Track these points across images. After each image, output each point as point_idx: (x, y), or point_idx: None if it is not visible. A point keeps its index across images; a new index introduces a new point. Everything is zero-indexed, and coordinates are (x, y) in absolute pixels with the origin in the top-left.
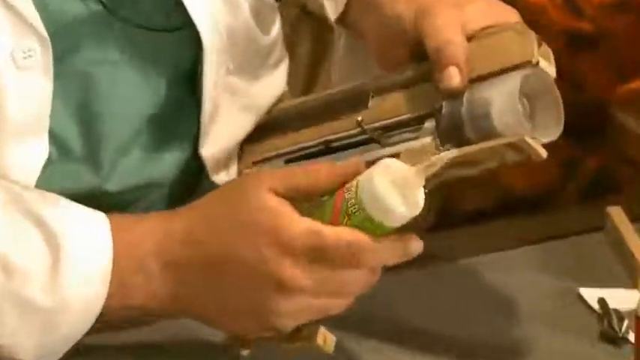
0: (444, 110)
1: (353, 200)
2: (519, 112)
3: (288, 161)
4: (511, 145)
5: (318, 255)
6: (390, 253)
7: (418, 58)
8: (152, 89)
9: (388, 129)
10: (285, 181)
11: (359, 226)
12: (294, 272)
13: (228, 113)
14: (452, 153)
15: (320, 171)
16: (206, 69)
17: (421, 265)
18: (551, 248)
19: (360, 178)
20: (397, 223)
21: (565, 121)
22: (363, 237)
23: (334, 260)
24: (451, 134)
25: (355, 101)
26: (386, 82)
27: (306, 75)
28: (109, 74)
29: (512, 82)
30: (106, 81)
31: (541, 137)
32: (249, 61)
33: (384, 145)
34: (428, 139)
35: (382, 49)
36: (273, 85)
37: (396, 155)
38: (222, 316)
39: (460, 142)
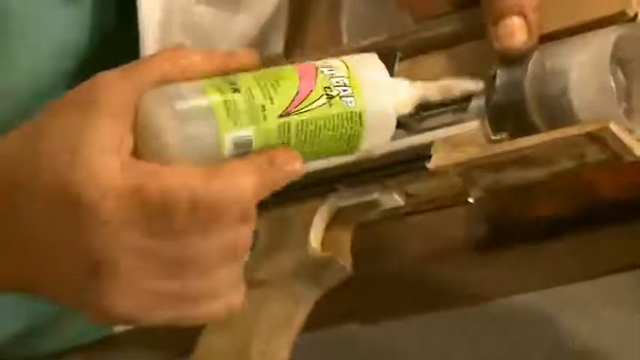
0: (497, 81)
1: (343, 80)
2: (610, 88)
3: None
4: (591, 137)
5: (143, 214)
6: (251, 179)
7: (463, 3)
8: (70, 16)
9: (419, 108)
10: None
11: (326, 117)
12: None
13: None
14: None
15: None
16: None
17: (467, 302)
18: None
19: (343, 59)
20: (376, 123)
21: None
22: (204, 173)
23: (171, 221)
24: (507, 116)
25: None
26: (416, 39)
27: (295, 14)
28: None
29: (601, 43)
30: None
31: (638, 126)
32: None
33: (412, 132)
34: (474, 124)
35: None
36: (259, 16)
37: (427, 146)
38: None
39: (520, 127)
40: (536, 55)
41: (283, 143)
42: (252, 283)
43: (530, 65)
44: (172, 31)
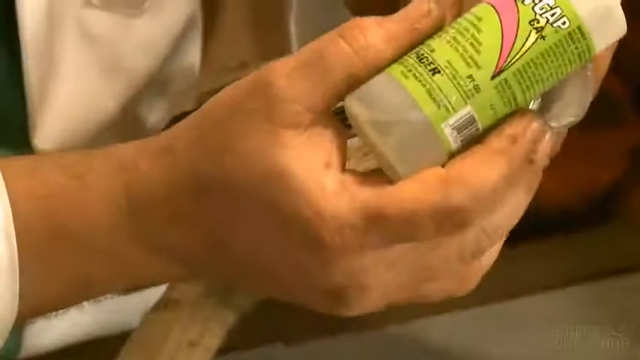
0: None
1: (548, 3)
2: None
3: None
4: None
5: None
6: (493, 169)
7: None
8: None
9: None
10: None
11: (543, 54)
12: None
13: (79, 78)
14: None
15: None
16: None
17: (395, 321)
18: (618, 286)
19: None
20: (605, 43)
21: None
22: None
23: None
24: None
25: None
26: None
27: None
28: None
29: None
30: None
31: (551, 122)
32: None
33: None
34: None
35: None
36: (167, 23)
37: None
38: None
39: None
40: None
41: (509, 98)
42: (166, 303)
43: None
44: (62, 39)
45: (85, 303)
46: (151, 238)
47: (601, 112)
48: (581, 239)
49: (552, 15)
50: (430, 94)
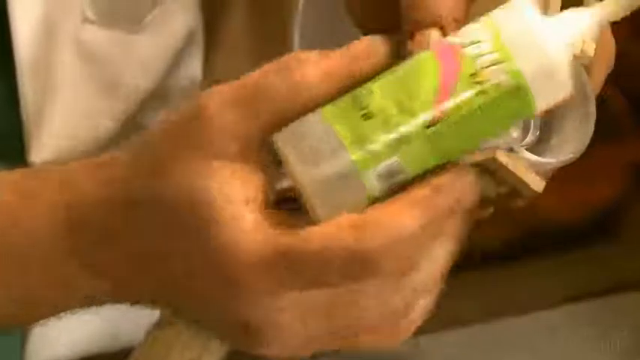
0: None
1: (490, 54)
2: None
3: None
4: (481, 168)
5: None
6: (411, 216)
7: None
8: None
9: None
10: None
11: (481, 108)
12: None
13: (77, 96)
14: None
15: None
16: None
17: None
18: (616, 304)
19: (486, 20)
20: (552, 97)
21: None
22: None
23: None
24: None
25: None
26: None
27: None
28: None
29: None
30: None
31: (549, 156)
32: None
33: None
34: None
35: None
36: (166, 40)
37: None
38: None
39: None
40: None
41: (440, 151)
42: (168, 320)
43: None
44: (60, 56)
45: (86, 316)
46: (84, 253)
47: (600, 127)
48: (580, 256)
49: (495, 70)
50: (359, 140)
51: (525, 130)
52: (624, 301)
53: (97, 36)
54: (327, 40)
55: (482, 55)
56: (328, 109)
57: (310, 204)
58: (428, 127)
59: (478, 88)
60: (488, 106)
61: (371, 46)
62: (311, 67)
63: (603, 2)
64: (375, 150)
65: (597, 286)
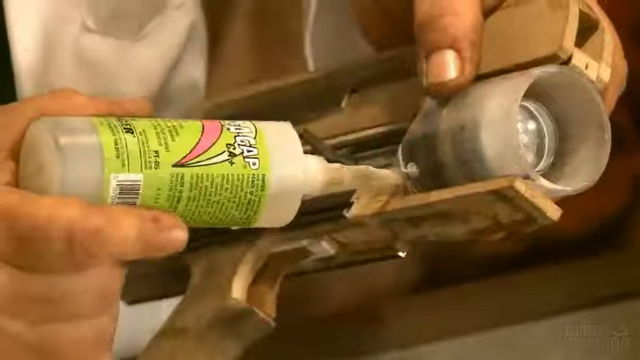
0: (412, 125)
1: (249, 140)
2: (515, 137)
3: None
4: (498, 195)
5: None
6: (133, 228)
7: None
8: None
9: (360, 147)
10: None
11: (225, 175)
12: None
13: None
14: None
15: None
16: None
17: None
18: (621, 312)
19: (255, 122)
20: (291, 197)
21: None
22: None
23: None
24: (425, 167)
25: (327, 95)
26: (367, 71)
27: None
28: None
29: (514, 88)
30: None
31: (564, 183)
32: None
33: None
34: (393, 172)
35: (368, 16)
36: (165, 49)
37: (350, 193)
38: None
39: (436, 178)
40: (458, 97)
41: (174, 195)
42: (172, 330)
43: (444, 110)
44: (59, 65)
45: None
46: None
47: None
48: (584, 266)
49: (249, 152)
50: (115, 144)
51: (539, 156)
52: (628, 308)
53: (96, 45)
54: (337, 46)
55: (243, 137)
56: (96, 117)
57: (49, 178)
58: (175, 165)
59: (230, 156)
60: (231, 177)
61: (136, 100)
62: (80, 96)
63: (340, 169)
64: (126, 159)
65: (602, 296)
